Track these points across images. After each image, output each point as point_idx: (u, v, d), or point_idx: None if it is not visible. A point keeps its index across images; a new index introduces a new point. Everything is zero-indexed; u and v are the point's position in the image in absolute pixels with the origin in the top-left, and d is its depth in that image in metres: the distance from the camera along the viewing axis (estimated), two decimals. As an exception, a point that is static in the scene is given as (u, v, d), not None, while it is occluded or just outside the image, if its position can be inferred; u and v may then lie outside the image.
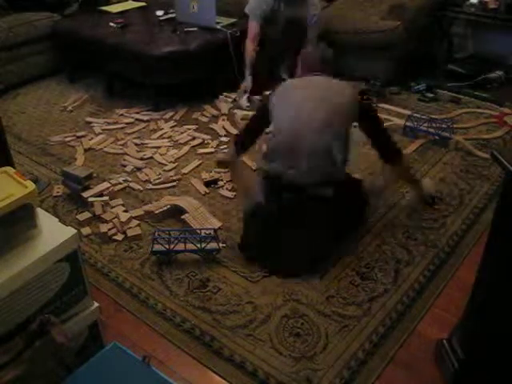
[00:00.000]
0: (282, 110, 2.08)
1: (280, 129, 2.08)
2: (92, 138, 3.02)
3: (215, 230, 2.13)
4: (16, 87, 3.70)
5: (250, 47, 3.23)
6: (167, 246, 2.04)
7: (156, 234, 2.10)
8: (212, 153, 2.83)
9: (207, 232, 2.13)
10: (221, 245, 2.09)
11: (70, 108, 3.38)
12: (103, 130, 3.11)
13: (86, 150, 2.90)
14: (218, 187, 2.54)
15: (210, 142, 2.94)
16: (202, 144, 2.93)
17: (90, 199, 2.38)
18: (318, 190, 1.98)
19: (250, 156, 2.77)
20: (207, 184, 2.56)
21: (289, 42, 3.19)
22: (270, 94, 2.19)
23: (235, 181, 2.49)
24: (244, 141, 2.26)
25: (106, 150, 2.90)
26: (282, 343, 1.73)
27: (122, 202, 2.42)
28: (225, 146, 2.87)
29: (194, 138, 2.98)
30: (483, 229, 2.21)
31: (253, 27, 3.24)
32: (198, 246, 2.04)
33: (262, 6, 3.21)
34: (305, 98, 2.05)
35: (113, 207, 2.38)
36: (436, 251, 2.12)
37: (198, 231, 2.15)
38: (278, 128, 2.09)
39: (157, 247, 2.04)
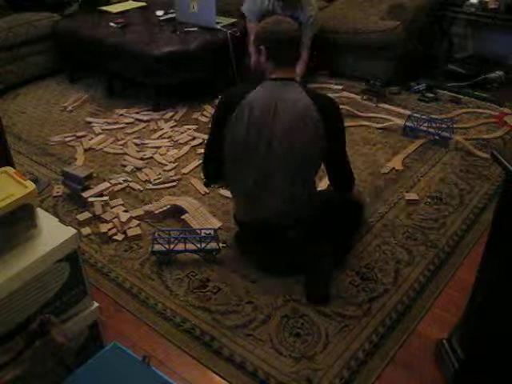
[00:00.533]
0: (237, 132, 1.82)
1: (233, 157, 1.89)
2: (92, 138, 3.02)
3: (215, 230, 2.13)
4: (16, 87, 3.70)
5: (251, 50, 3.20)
6: (167, 246, 2.04)
7: (156, 233, 2.10)
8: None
9: (207, 232, 2.13)
10: (221, 245, 2.09)
11: (69, 108, 3.38)
12: (103, 130, 3.11)
13: (85, 150, 2.90)
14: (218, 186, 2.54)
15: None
16: (202, 144, 2.93)
17: (90, 199, 2.38)
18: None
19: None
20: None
21: None
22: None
23: None
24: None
25: (105, 150, 2.90)
26: (282, 343, 1.73)
27: (122, 202, 2.42)
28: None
29: (194, 138, 2.98)
30: (483, 229, 2.21)
31: (252, 28, 3.23)
32: (198, 245, 2.04)
33: (257, 4, 3.23)
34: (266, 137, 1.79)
35: (113, 207, 2.38)
36: (436, 251, 2.12)
37: (198, 231, 2.15)
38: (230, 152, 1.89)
39: (157, 247, 2.05)
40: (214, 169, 2.01)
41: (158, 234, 2.10)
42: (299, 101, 1.77)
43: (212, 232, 2.11)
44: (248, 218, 1.99)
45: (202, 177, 2.14)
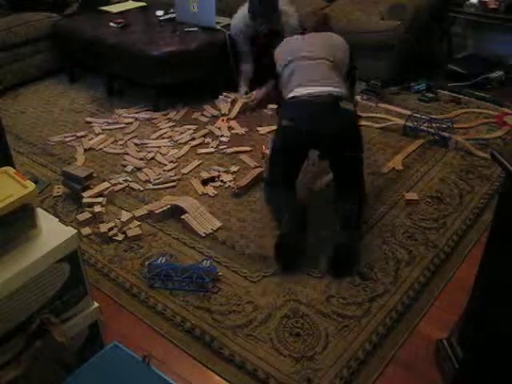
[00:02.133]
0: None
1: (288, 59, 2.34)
2: (92, 138, 3.02)
3: (211, 261, 2.05)
4: (16, 87, 3.70)
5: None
6: (164, 285, 1.97)
7: (149, 274, 1.99)
8: (212, 153, 2.83)
9: (204, 264, 2.02)
10: (219, 273, 2.00)
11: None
12: (103, 129, 3.11)
13: (85, 150, 2.90)
14: (218, 186, 2.54)
15: (209, 142, 2.94)
16: (202, 144, 2.93)
17: (86, 200, 2.38)
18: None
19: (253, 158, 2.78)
20: (205, 182, 2.56)
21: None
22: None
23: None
24: None
25: (105, 150, 2.90)
26: (282, 343, 1.73)
27: (121, 202, 2.42)
28: (225, 146, 2.87)
29: (194, 138, 2.98)
30: (483, 229, 2.21)
31: (241, 47, 3.33)
32: (194, 283, 1.96)
33: (241, 28, 3.26)
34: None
35: (113, 207, 2.38)
36: (436, 251, 2.12)
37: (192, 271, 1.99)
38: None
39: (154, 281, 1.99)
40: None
41: (152, 276, 1.99)
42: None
43: (208, 262, 2.03)
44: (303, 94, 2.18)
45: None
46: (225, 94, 3.39)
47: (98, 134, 3.06)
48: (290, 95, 2.23)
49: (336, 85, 2.21)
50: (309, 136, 2.12)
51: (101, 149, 2.91)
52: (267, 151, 2.70)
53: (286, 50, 2.44)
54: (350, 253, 2.03)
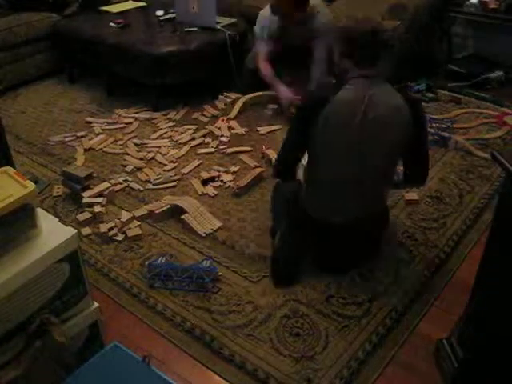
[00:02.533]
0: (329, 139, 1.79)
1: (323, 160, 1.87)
2: (92, 138, 3.01)
3: (211, 261, 2.05)
4: (16, 87, 3.69)
5: (263, 67, 3.14)
6: (164, 285, 1.98)
7: (149, 275, 1.99)
8: (212, 153, 2.83)
9: (204, 264, 2.02)
10: (218, 273, 2.00)
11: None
12: (103, 129, 3.11)
13: (86, 150, 2.90)
14: (218, 186, 2.54)
15: (209, 142, 2.94)
16: (202, 144, 2.93)
17: (86, 200, 2.38)
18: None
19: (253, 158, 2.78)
20: (204, 182, 2.56)
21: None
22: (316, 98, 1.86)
23: None
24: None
25: (105, 149, 2.90)
26: (282, 343, 1.73)
27: (121, 202, 2.42)
28: (224, 146, 2.87)
29: (194, 138, 2.97)
30: (483, 229, 2.21)
31: (260, 46, 3.18)
32: (194, 283, 1.96)
33: (266, 28, 3.12)
34: (361, 136, 1.74)
35: (113, 207, 2.38)
36: (436, 251, 2.12)
37: (192, 271, 1.99)
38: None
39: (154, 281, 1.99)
40: (292, 168, 1.97)
41: (152, 275, 1.99)
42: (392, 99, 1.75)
43: (208, 262, 2.03)
44: (324, 213, 1.90)
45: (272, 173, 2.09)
46: (225, 93, 3.40)
47: (97, 134, 3.06)
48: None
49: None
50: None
51: (101, 149, 2.91)
52: (267, 151, 2.71)
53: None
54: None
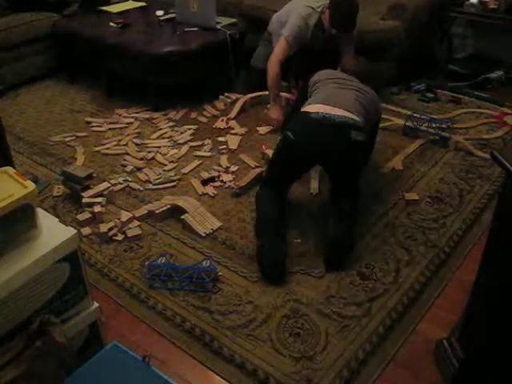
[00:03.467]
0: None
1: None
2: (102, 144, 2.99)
3: (211, 261, 2.05)
4: (16, 87, 3.70)
5: (274, 69, 2.94)
6: (164, 285, 1.98)
7: (149, 275, 1.98)
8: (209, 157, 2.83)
9: (204, 264, 2.02)
10: (218, 273, 2.00)
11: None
12: (103, 129, 3.11)
13: (85, 151, 2.90)
14: (218, 186, 2.54)
15: (209, 142, 2.94)
16: (202, 144, 2.92)
17: (86, 200, 2.38)
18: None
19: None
20: (204, 182, 2.56)
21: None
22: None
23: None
24: None
25: (106, 151, 2.90)
26: (282, 343, 1.73)
27: (121, 202, 2.42)
28: (224, 146, 2.87)
29: (193, 139, 2.97)
30: (483, 229, 2.21)
31: (283, 48, 2.94)
32: (194, 283, 1.95)
33: (303, 30, 2.94)
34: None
35: (113, 207, 2.38)
36: (436, 251, 2.12)
37: (192, 271, 1.98)
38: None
39: (154, 281, 1.99)
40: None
41: (152, 275, 1.98)
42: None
43: (208, 262, 2.03)
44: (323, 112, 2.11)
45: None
46: (225, 94, 3.40)
47: (107, 138, 3.04)
48: (305, 109, 2.17)
49: (356, 114, 2.13)
50: (306, 154, 2.13)
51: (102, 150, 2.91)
52: (267, 151, 2.71)
53: (325, 72, 2.44)
54: (347, 243, 2.05)
